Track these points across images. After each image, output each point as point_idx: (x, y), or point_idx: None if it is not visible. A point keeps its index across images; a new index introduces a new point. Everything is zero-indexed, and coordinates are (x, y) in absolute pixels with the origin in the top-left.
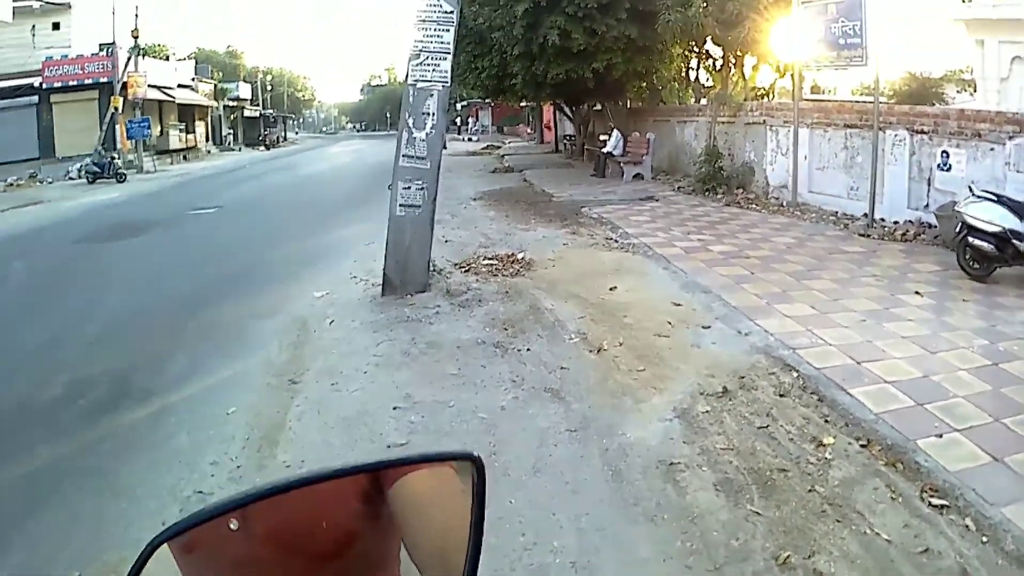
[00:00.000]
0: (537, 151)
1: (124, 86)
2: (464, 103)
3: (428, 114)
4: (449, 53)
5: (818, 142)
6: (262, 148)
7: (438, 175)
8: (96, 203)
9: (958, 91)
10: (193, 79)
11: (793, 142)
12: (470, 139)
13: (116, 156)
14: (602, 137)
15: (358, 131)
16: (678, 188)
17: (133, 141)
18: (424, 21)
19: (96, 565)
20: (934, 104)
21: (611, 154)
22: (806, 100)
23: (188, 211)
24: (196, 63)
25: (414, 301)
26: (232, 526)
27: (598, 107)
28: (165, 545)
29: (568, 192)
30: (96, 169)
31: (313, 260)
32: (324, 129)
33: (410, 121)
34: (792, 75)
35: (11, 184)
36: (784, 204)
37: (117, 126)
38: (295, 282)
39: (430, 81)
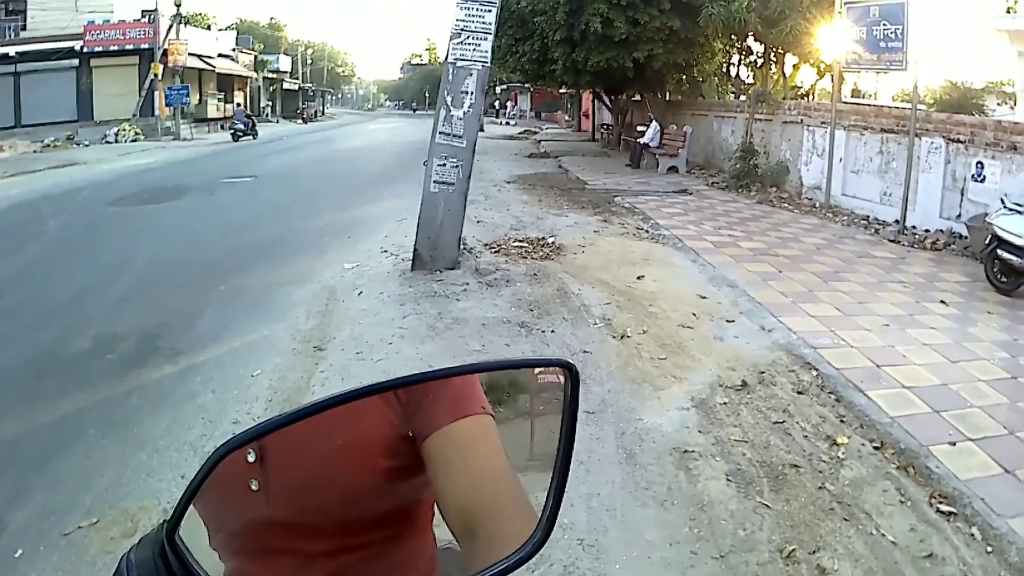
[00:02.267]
0: (574, 138)
1: (164, 53)
2: (504, 87)
3: (467, 93)
4: (490, 34)
5: (854, 145)
6: (299, 121)
7: (473, 154)
8: (132, 167)
9: (999, 103)
10: (234, 49)
11: (829, 144)
12: (508, 123)
13: (255, 118)
14: (639, 128)
15: (397, 109)
16: (712, 183)
17: (171, 108)
18: (467, 0)
19: (115, 512)
20: (973, 115)
21: (647, 145)
22: (844, 102)
23: (223, 179)
24: (237, 33)
25: (443, 277)
26: (249, 458)
27: (637, 98)
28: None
29: (602, 180)
30: (241, 127)
31: (345, 232)
32: (362, 106)
33: (448, 99)
34: (832, 76)
35: (48, 145)
36: (817, 205)
37: (156, 92)
38: (326, 253)
39: (470, 60)
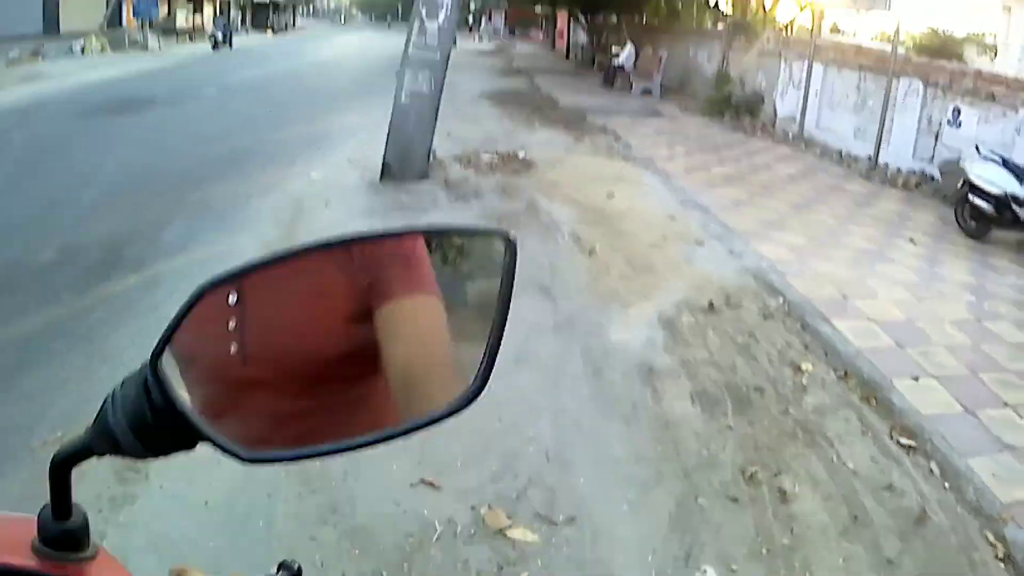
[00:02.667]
0: (549, 57)
1: None
2: (479, 2)
3: (441, 6)
4: None
5: (831, 80)
6: (269, 33)
7: (446, 67)
8: (100, 80)
9: (979, 54)
10: None
11: (806, 76)
12: (481, 39)
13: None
14: (615, 50)
15: (370, 22)
16: (685, 108)
17: (139, 19)
18: None
19: (80, 426)
20: (950, 61)
21: (622, 67)
22: (824, 39)
23: (191, 92)
24: None
25: (412, 189)
26: (231, 300)
27: (614, 20)
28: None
29: (575, 99)
30: (220, 36)
31: (313, 144)
32: (335, 19)
33: (423, 11)
34: (812, 11)
35: (13, 60)
36: (790, 136)
37: (124, 3)
38: (293, 164)
39: None
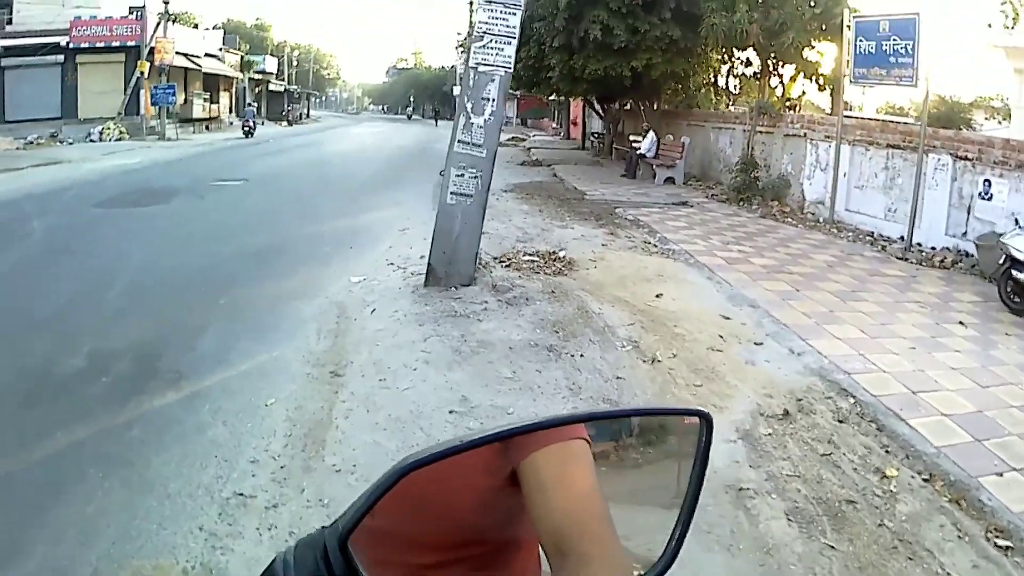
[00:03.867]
0: (564, 146)
1: (151, 51)
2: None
3: (488, 100)
4: (514, 38)
5: (859, 160)
6: (284, 123)
7: (493, 165)
8: (117, 167)
9: (986, 118)
10: (220, 49)
11: (834, 158)
12: None
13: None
14: (633, 137)
15: (382, 113)
16: (711, 195)
17: (157, 108)
18: (491, 3)
19: (126, 573)
20: (961, 129)
21: (644, 155)
22: (848, 116)
23: (212, 181)
24: (224, 33)
25: (460, 295)
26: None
27: (629, 107)
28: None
29: (600, 191)
30: (251, 125)
31: (345, 241)
32: (346, 108)
33: (469, 106)
34: (833, 89)
35: (31, 142)
36: (821, 220)
37: (142, 91)
38: (328, 264)
39: (492, 65)
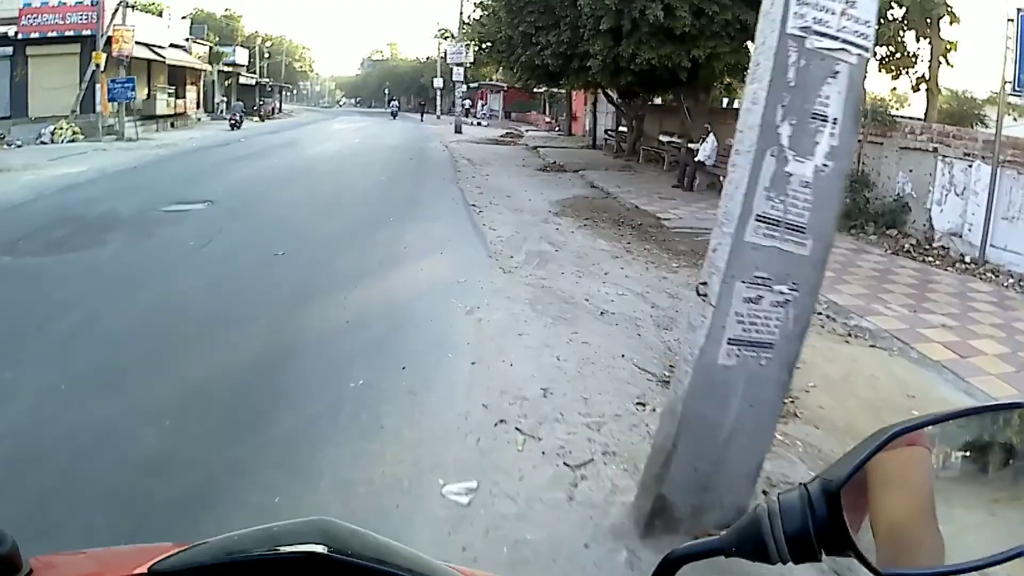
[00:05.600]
0: (571, 145)
1: (108, 41)
2: (475, 84)
3: (825, 119)
4: None
5: (1008, 185)
6: (256, 119)
7: (822, 276)
8: (57, 180)
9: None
10: (187, 40)
11: (990, 183)
12: (479, 123)
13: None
14: (665, 138)
15: (356, 106)
16: None
17: (115, 104)
18: None
19: None
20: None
21: (703, 164)
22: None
23: (166, 206)
24: (192, 23)
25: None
26: None
27: (662, 102)
28: None
29: (669, 212)
30: (238, 119)
31: (386, 349)
32: (319, 102)
33: (783, 129)
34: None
35: None
36: (967, 259)
37: (98, 85)
38: (377, 431)
39: (836, 38)
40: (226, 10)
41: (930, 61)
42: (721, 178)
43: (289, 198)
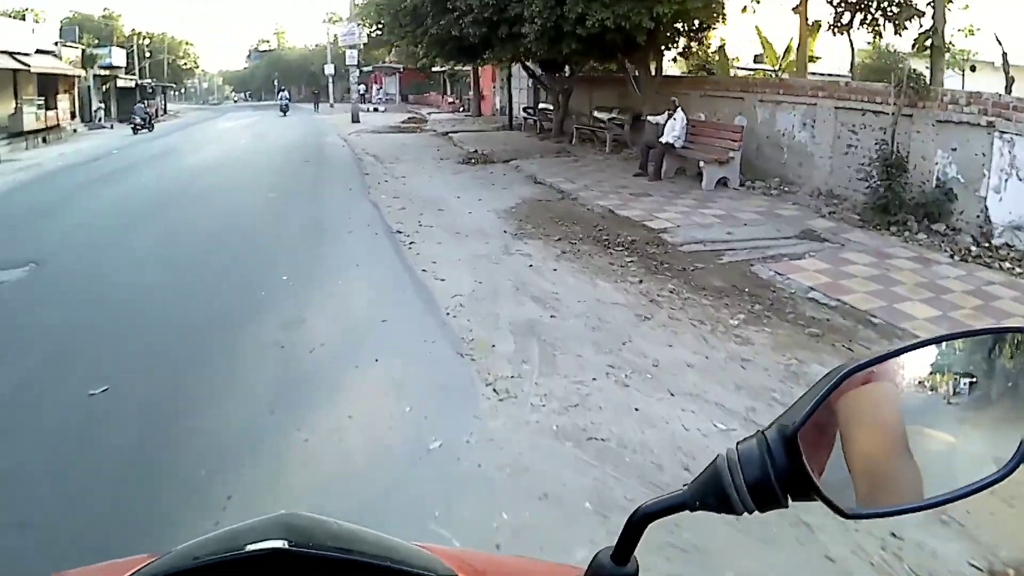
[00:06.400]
0: (485, 127)
1: None
2: (368, 68)
3: None
4: None
5: None
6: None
7: None
8: None
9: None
10: (57, 43)
11: None
12: (377, 109)
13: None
14: (601, 115)
15: (246, 100)
16: (829, 212)
17: None
18: None
19: None
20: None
21: (671, 145)
22: None
23: (20, 256)
24: (61, 26)
25: None
26: None
27: (585, 72)
28: None
29: (657, 216)
30: (140, 121)
31: None
32: (207, 100)
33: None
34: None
35: None
36: None
37: None
38: None
39: None
40: (105, 10)
41: (934, 13)
42: (700, 163)
43: (146, 245)
